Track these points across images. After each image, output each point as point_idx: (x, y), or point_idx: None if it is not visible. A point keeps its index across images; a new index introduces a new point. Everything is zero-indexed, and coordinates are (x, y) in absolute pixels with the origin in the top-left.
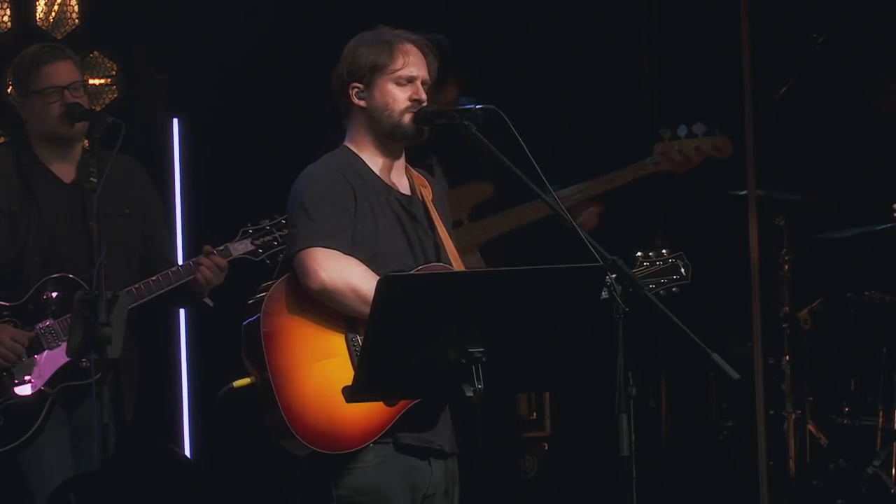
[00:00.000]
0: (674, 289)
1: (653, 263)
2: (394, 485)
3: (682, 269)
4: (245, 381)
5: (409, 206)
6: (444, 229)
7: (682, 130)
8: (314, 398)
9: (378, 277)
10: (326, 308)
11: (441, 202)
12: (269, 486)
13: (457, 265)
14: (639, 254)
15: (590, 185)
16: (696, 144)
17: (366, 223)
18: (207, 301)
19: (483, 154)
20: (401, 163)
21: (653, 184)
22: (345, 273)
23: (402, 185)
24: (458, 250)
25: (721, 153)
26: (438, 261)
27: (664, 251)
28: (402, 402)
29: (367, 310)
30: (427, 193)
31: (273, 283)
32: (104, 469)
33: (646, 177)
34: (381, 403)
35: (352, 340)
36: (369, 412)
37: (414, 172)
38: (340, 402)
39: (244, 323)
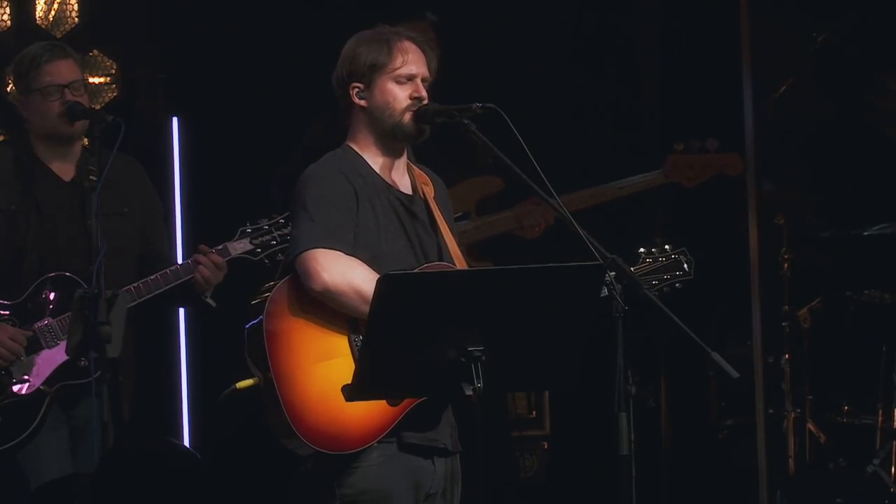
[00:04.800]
0: (677, 285)
1: (655, 260)
2: (397, 484)
3: (685, 265)
4: (248, 382)
5: (410, 205)
6: (446, 228)
7: (694, 145)
8: (317, 399)
9: None
10: (329, 309)
11: (443, 200)
12: (270, 486)
13: (459, 264)
14: (641, 250)
15: (599, 192)
16: (707, 160)
17: (367, 224)
18: (210, 302)
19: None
20: (402, 161)
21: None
22: (347, 274)
23: (404, 184)
24: (461, 248)
25: (733, 171)
26: (440, 260)
27: (667, 247)
28: (404, 403)
29: None
30: (429, 191)
31: (275, 284)
32: (104, 464)
33: (655, 187)
34: (384, 403)
35: (355, 341)
36: (372, 412)
37: (416, 170)
38: (343, 403)
39: (247, 325)
